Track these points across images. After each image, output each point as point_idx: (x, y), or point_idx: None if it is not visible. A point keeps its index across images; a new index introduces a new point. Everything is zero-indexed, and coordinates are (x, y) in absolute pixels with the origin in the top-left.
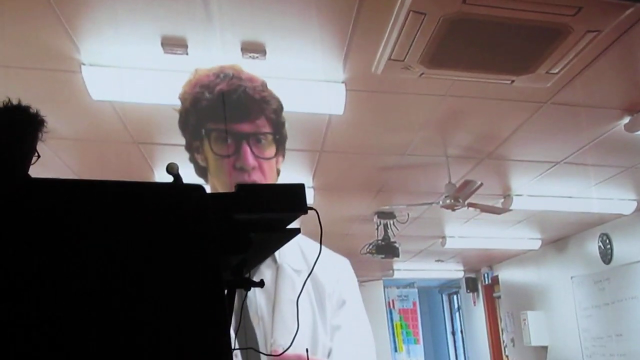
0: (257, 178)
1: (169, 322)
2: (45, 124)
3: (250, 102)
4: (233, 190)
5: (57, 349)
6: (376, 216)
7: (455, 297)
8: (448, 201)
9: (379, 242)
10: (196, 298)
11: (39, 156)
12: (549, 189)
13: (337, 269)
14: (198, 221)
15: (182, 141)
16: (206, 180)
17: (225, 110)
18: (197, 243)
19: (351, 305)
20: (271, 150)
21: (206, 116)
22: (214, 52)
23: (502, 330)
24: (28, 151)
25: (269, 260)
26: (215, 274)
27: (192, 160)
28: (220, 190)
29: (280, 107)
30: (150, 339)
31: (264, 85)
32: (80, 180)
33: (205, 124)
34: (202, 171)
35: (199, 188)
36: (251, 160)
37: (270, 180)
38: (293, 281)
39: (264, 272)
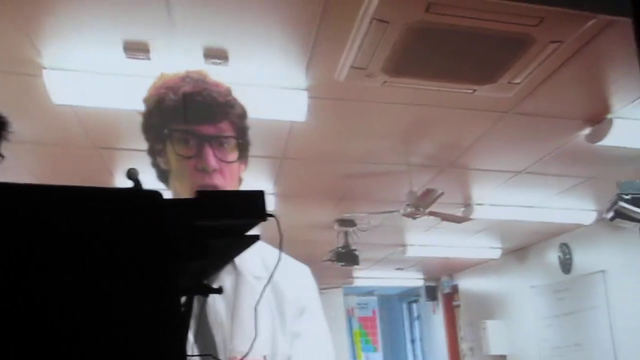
0: (218, 181)
1: (123, 328)
2: (9, 124)
3: (215, 105)
4: (194, 192)
5: (5, 352)
6: (337, 224)
7: (414, 305)
8: (409, 209)
9: (340, 249)
10: (151, 305)
11: (3, 157)
12: (510, 198)
13: (297, 276)
14: (155, 227)
15: (143, 146)
16: (167, 185)
17: (188, 111)
18: (154, 249)
19: (311, 313)
20: (233, 155)
21: (170, 117)
22: (176, 58)
23: (461, 339)
24: None
25: (229, 267)
26: (172, 280)
27: (154, 164)
28: (182, 193)
29: (244, 113)
30: (104, 345)
31: (229, 90)
32: (38, 185)
33: (169, 125)
34: (163, 175)
35: (157, 194)
36: (213, 163)
37: (231, 184)
38: (253, 288)
39: (224, 278)
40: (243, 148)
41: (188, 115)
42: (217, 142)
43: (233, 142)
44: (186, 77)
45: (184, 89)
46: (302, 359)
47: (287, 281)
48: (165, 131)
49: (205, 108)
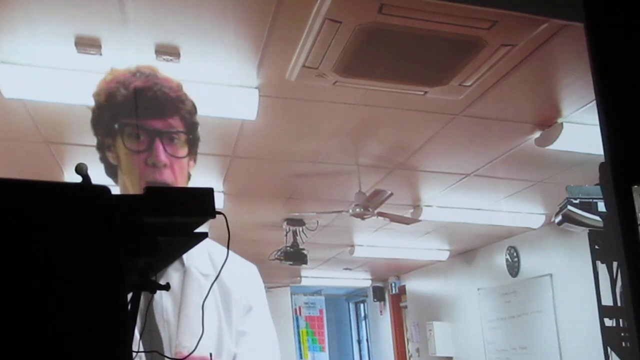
0: (168, 177)
1: (68, 323)
2: None
3: (166, 100)
4: (143, 187)
5: None
6: (285, 223)
7: (362, 305)
8: (358, 210)
9: (288, 248)
10: (97, 300)
11: None
12: (458, 200)
13: (244, 275)
14: (103, 222)
15: (93, 142)
16: (116, 181)
17: (139, 106)
18: (101, 244)
19: (257, 312)
20: (183, 150)
21: (120, 112)
22: (128, 54)
23: (407, 340)
24: None
25: (176, 264)
26: (118, 277)
27: (103, 159)
28: (131, 188)
29: (194, 109)
30: (49, 339)
31: (179, 85)
32: None
33: (119, 120)
34: (112, 170)
35: (106, 189)
36: (163, 157)
37: (180, 180)
38: (200, 285)
39: (172, 275)
40: (193, 144)
41: (139, 110)
42: (168, 137)
43: (183, 137)
44: (137, 73)
45: (135, 84)
46: (248, 357)
47: (234, 280)
48: (116, 126)
49: (156, 103)
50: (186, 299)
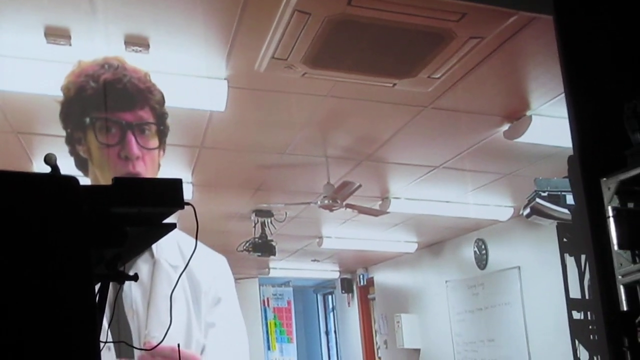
0: (141, 169)
1: (35, 313)
2: None
3: (136, 91)
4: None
5: None
6: (254, 214)
7: (330, 297)
8: (326, 201)
9: (256, 240)
10: (64, 290)
11: None
12: (426, 193)
13: (213, 267)
14: (71, 213)
15: (63, 133)
16: (86, 174)
17: (109, 99)
18: (69, 234)
19: (226, 304)
20: (154, 141)
21: (90, 106)
22: (97, 44)
23: (375, 332)
24: None
25: (146, 255)
26: (86, 267)
27: (73, 152)
28: (102, 180)
29: (163, 99)
30: (14, 329)
31: (147, 76)
32: None
33: (90, 114)
34: (82, 163)
35: (74, 179)
36: (136, 150)
37: (152, 171)
38: (169, 276)
39: (141, 266)
40: (163, 134)
41: (109, 102)
42: (139, 129)
43: (154, 128)
44: (105, 64)
45: (104, 76)
46: (216, 348)
47: (203, 272)
48: (87, 120)
49: (125, 95)
50: (155, 290)
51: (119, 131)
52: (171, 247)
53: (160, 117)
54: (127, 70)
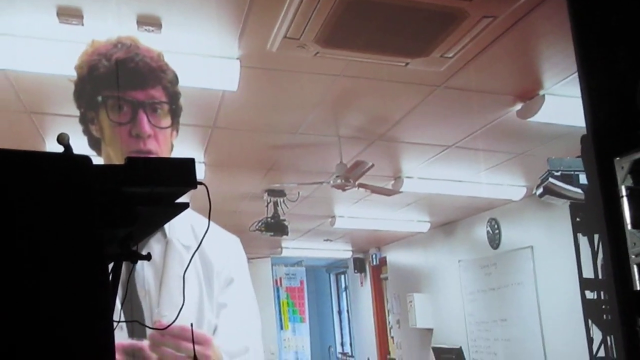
0: (153, 147)
1: (48, 293)
2: None
3: (148, 70)
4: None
5: None
6: (266, 194)
7: (342, 277)
8: (339, 181)
9: (269, 219)
10: (77, 270)
11: None
12: (439, 172)
13: (226, 247)
14: (83, 192)
15: (76, 112)
16: (99, 153)
17: (121, 77)
18: (82, 214)
19: (239, 284)
20: (167, 120)
21: (103, 84)
22: (109, 24)
23: (388, 312)
24: None
25: (158, 235)
26: (98, 246)
27: (86, 132)
28: (115, 159)
29: (175, 79)
30: (28, 309)
31: (160, 55)
32: None
33: (102, 92)
34: (95, 143)
35: (87, 159)
36: (147, 128)
37: (164, 150)
38: (181, 256)
39: (153, 246)
40: (175, 114)
41: (121, 81)
42: (151, 107)
43: (166, 107)
44: (118, 44)
45: (116, 55)
46: (228, 329)
47: (216, 252)
48: (99, 98)
49: (138, 74)
50: (167, 269)
51: (131, 109)
52: (184, 227)
53: (173, 96)
54: (140, 50)
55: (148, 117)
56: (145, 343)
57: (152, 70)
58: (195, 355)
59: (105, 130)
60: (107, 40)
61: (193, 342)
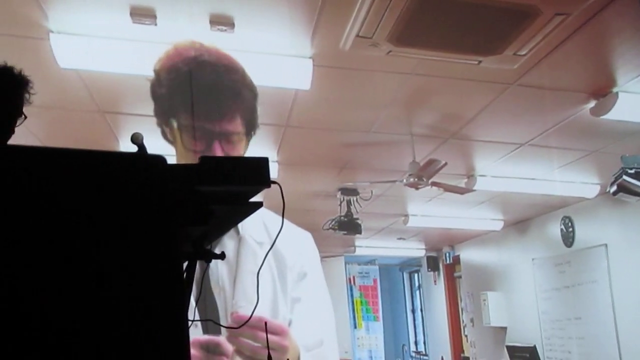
0: None
1: (124, 292)
2: (31, 84)
3: (227, 99)
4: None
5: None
6: (339, 192)
7: (416, 275)
8: (412, 179)
9: (342, 218)
10: (153, 269)
11: (25, 117)
12: (512, 170)
13: (299, 242)
14: (158, 191)
15: (149, 111)
16: (170, 144)
17: (199, 104)
18: (156, 214)
19: (312, 278)
20: (241, 147)
21: (178, 102)
22: (182, 24)
23: (461, 310)
24: (14, 113)
25: (231, 232)
26: (173, 245)
27: (161, 130)
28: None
29: (254, 105)
30: (107, 309)
31: (243, 75)
32: (42, 148)
33: (178, 115)
34: (167, 140)
35: (161, 158)
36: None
37: None
38: (255, 253)
39: (226, 243)
40: (250, 138)
41: (198, 108)
42: (226, 139)
43: (243, 137)
44: (199, 56)
45: (195, 71)
46: (302, 322)
47: (288, 247)
48: (175, 123)
49: (218, 103)
50: (241, 266)
51: (206, 140)
52: (256, 224)
53: (250, 126)
54: (221, 69)
55: (223, 148)
56: (221, 338)
57: (231, 96)
58: (268, 345)
59: (179, 150)
60: (190, 44)
61: (267, 333)
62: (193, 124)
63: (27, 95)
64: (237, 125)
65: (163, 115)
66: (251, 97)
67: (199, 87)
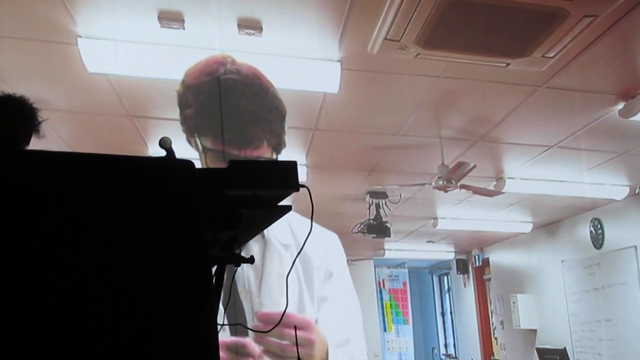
0: None
1: (154, 297)
2: (38, 114)
3: (254, 126)
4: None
5: (48, 321)
6: (368, 195)
7: (445, 278)
8: (440, 182)
9: (371, 221)
10: (183, 274)
11: (43, 136)
12: (541, 172)
13: (325, 243)
14: (187, 196)
15: (176, 116)
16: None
17: (226, 132)
18: (186, 218)
19: (338, 278)
20: None
21: (205, 127)
22: (210, 28)
23: (491, 313)
24: (19, 140)
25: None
26: (203, 250)
27: (187, 141)
28: None
29: (282, 129)
30: (137, 314)
31: (272, 96)
32: (71, 153)
33: (203, 138)
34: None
35: (189, 163)
36: None
37: None
38: (280, 255)
39: (252, 246)
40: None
41: (226, 135)
42: None
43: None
44: (228, 79)
45: (225, 94)
46: (329, 321)
47: (315, 248)
48: (200, 145)
49: (243, 129)
50: (267, 268)
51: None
52: (282, 226)
53: (276, 149)
54: (249, 92)
55: None
56: (247, 339)
57: (258, 122)
58: (297, 342)
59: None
60: (221, 59)
61: (295, 330)
62: (218, 148)
63: (37, 127)
64: (263, 151)
65: (189, 131)
66: (279, 119)
67: (225, 112)
